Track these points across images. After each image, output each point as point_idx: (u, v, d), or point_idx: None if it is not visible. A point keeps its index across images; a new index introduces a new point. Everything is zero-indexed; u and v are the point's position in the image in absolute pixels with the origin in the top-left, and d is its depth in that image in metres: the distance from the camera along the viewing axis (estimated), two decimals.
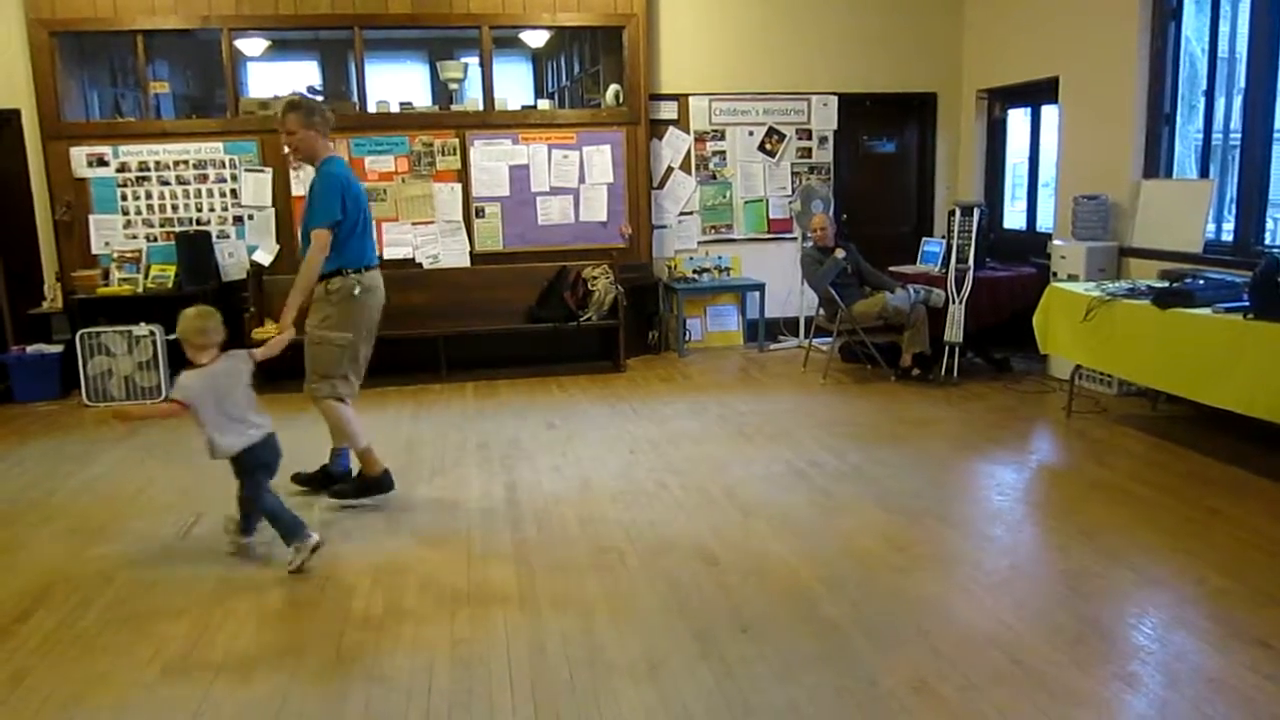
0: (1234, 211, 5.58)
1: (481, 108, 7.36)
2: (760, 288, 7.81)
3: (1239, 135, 5.54)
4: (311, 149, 4.14)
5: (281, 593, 3.46)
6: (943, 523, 3.99)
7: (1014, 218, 7.95)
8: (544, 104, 8.08)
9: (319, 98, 6.96)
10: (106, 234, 6.89)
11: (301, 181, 7.02)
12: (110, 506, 4.45)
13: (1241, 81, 5.50)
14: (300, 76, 10.18)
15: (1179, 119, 5.96)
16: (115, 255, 6.85)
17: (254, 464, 3.67)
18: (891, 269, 7.03)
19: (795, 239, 7.99)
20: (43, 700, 2.77)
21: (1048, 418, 5.61)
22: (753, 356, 7.64)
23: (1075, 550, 3.66)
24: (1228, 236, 5.63)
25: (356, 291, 4.17)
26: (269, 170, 7.01)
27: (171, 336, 6.65)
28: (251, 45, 7.78)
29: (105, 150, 6.84)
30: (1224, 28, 5.60)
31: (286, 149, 4.22)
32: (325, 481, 4.46)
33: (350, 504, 4.29)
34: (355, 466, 4.44)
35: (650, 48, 7.56)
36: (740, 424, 5.59)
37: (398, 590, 3.44)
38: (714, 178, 7.97)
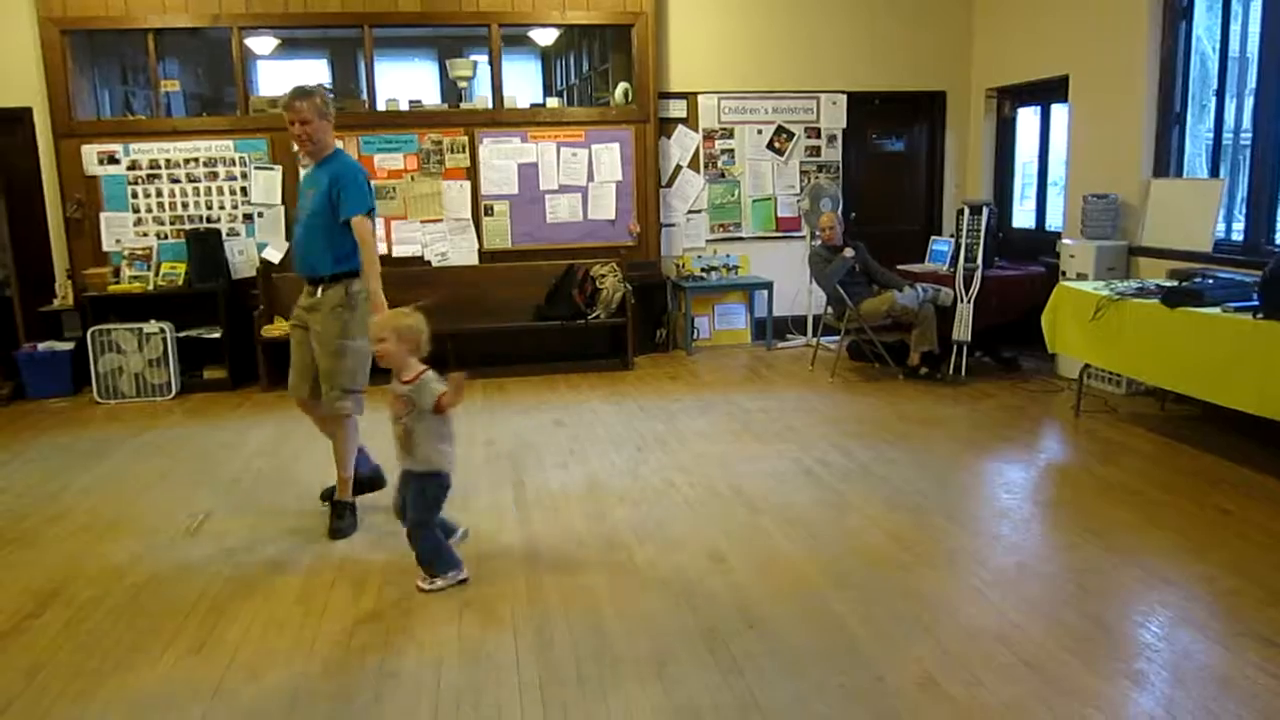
0: (1244, 211, 5.57)
1: (490, 106, 7.37)
2: (768, 286, 7.81)
3: (1249, 135, 5.52)
4: (324, 140, 4.00)
5: (292, 589, 3.47)
6: (950, 521, 3.99)
7: (1023, 216, 7.94)
8: (553, 102, 8.09)
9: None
10: (117, 231, 6.93)
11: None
12: (121, 503, 4.47)
13: (1252, 81, 5.49)
14: (310, 74, 10.21)
15: (1189, 118, 5.94)
16: (126, 253, 6.89)
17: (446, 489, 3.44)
18: (900, 267, 7.02)
19: (804, 237, 7.99)
20: (56, 695, 2.80)
21: (1056, 417, 5.60)
22: (760, 355, 7.64)
23: (1083, 549, 3.66)
24: (1238, 236, 5.62)
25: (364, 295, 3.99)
26: (279, 168, 7.04)
27: (182, 334, 6.72)
28: (261, 43, 7.80)
29: (116, 148, 6.87)
30: (1235, 27, 5.58)
31: (296, 138, 3.96)
32: (370, 486, 4.24)
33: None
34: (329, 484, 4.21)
35: (659, 46, 7.56)
36: (748, 422, 5.59)
37: (407, 587, 3.45)
38: (722, 176, 7.98)
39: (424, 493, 3.35)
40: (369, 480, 4.26)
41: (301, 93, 3.97)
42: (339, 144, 4.14)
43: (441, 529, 3.47)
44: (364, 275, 3.93)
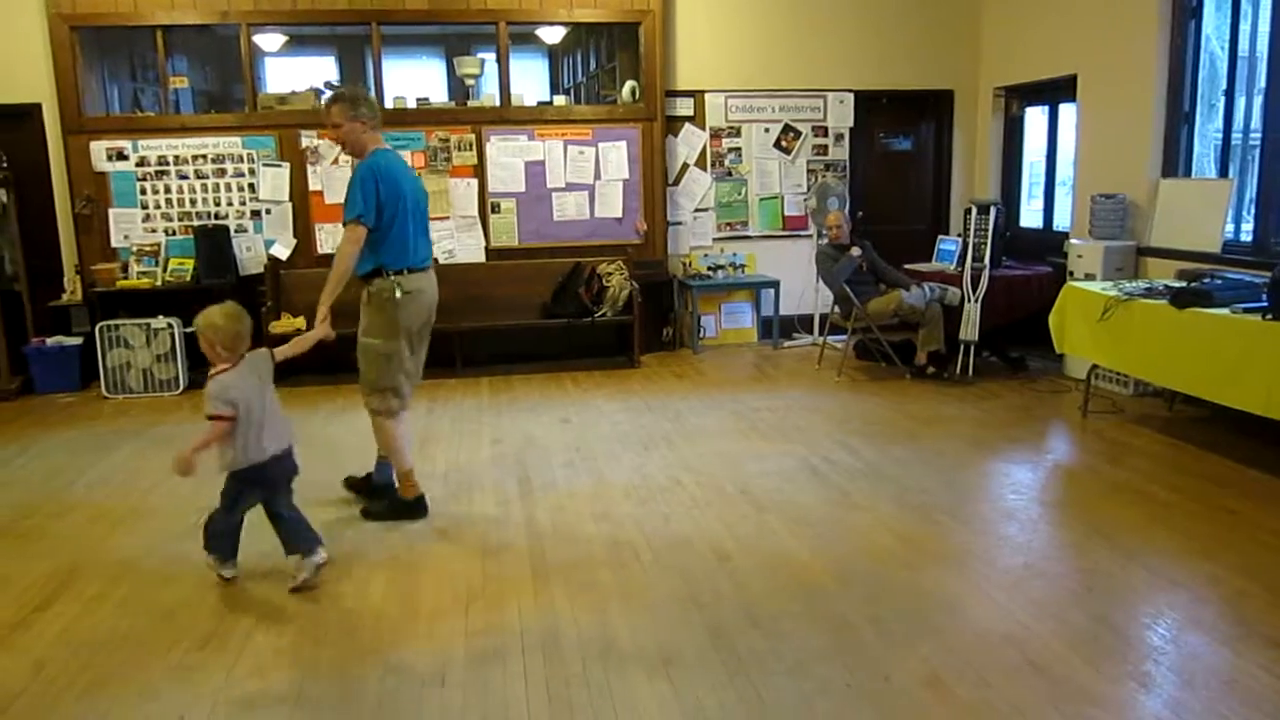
0: (1253, 211, 5.55)
1: (498, 103, 7.38)
2: (775, 285, 7.80)
3: (1259, 135, 5.50)
4: (358, 142, 3.92)
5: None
6: (957, 521, 3.98)
7: (1031, 216, 7.92)
8: (560, 100, 8.09)
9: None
10: (126, 227, 6.95)
11: (319, 176, 7.07)
12: (129, 497, 4.49)
13: (1262, 81, 5.46)
14: (318, 72, 10.21)
15: (1198, 118, 5.92)
16: (134, 249, 6.91)
17: (283, 475, 3.51)
18: (907, 266, 7.00)
19: (810, 236, 7.98)
20: (62, 689, 2.81)
21: (1063, 417, 5.58)
22: (767, 354, 7.64)
23: (1090, 550, 3.65)
24: (1246, 237, 5.60)
25: (397, 295, 3.89)
26: (286, 165, 7.05)
27: (190, 330, 6.73)
28: (269, 40, 7.82)
29: (125, 144, 6.89)
30: (1244, 26, 5.55)
31: (333, 143, 3.99)
32: (369, 490, 4.29)
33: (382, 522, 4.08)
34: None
35: (666, 44, 7.56)
36: (754, 420, 5.59)
37: (412, 584, 3.47)
38: (729, 174, 7.97)
39: (225, 487, 3.45)
40: (363, 482, 4.33)
41: (331, 98, 3.97)
42: (380, 144, 4.02)
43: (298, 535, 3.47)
44: (327, 282, 3.86)
